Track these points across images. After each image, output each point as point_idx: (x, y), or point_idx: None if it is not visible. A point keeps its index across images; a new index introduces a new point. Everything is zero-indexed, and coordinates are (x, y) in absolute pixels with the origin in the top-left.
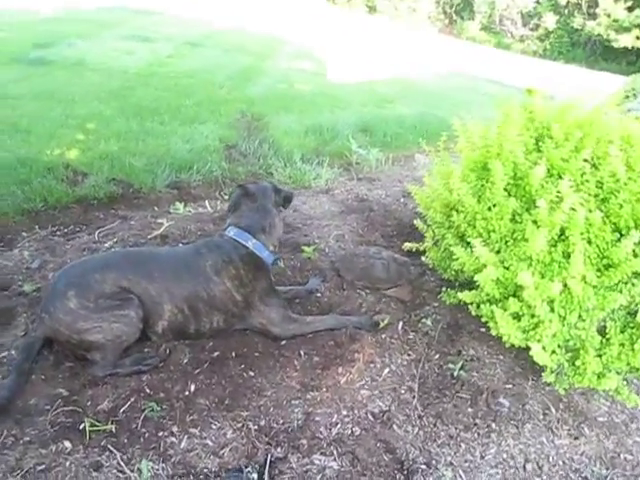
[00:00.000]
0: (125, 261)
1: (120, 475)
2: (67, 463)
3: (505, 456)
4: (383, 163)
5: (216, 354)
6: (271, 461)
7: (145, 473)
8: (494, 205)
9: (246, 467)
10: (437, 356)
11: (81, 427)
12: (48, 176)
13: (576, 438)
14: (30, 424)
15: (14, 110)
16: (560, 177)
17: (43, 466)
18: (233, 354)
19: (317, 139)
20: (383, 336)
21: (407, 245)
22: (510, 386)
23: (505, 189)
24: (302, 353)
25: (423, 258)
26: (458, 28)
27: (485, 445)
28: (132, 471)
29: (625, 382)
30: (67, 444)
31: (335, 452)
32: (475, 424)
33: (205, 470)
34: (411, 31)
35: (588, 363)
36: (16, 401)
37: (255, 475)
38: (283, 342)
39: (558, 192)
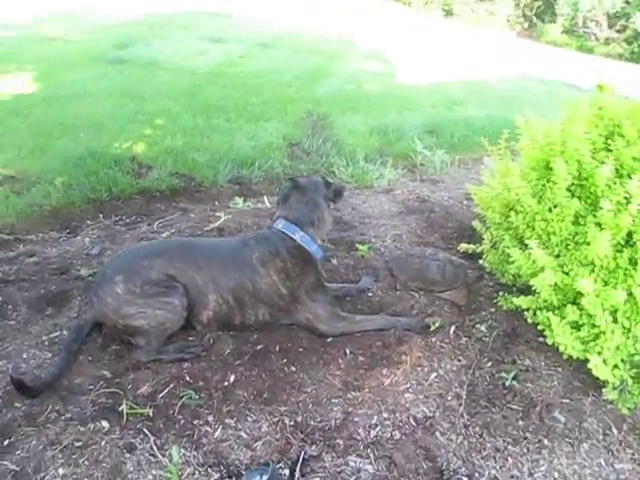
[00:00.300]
0: (174, 250)
1: (151, 458)
2: (103, 442)
3: (556, 475)
4: (448, 165)
5: (259, 347)
6: (304, 458)
7: (175, 458)
8: (555, 206)
9: (278, 462)
10: (489, 364)
11: (120, 409)
12: (115, 168)
13: None
14: (73, 402)
15: (90, 106)
16: (630, 178)
17: (80, 443)
18: (277, 348)
19: (382, 139)
20: (433, 340)
21: (463, 246)
22: (567, 401)
23: (568, 189)
24: (347, 352)
25: (481, 261)
26: (538, 31)
27: (535, 462)
28: (164, 456)
29: None
30: (105, 424)
31: (372, 455)
32: (525, 438)
33: (236, 462)
34: (488, 34)
35: None
36: (62, 379)
37: (287, 471)
38: (329, 340)
39: (626, 193)
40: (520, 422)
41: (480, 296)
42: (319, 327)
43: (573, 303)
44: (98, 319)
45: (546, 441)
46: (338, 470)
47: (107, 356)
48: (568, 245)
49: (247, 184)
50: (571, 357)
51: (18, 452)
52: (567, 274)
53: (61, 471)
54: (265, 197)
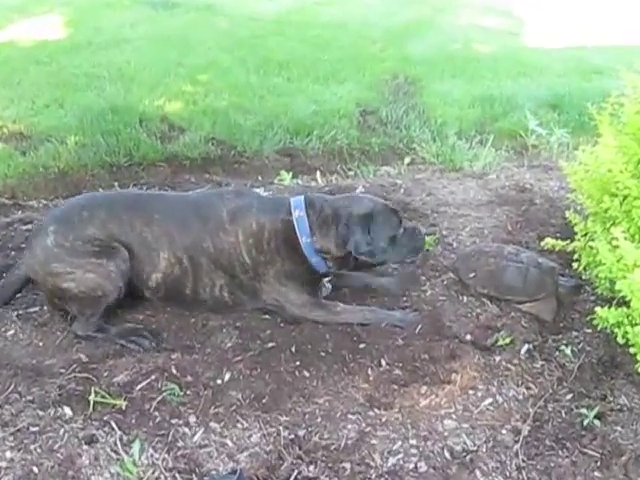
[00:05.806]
0: (126, 200)
1: (112, 455)
2: (61, 430)
3: None
4: (570, 148)
5: (270, 345)
6: (296, 479)
7: (136, 456)
8: None
9: None
10: (569, 396)
11: (89, 397)
12: (139, 128)
13: None
14: (38, 384)
15: (124, 55)
16: None
17: (36, 428)
18: (293, 349)
19: (485, 112)
20: (497, 358)
21: (549, 242)
22: None
23: None
24: (382, 363)
25: (575, 265)
26: None
27: None
28: (127, 453)
29: None
30: (67, 411)
31: None
32: None
33: (212, 472)
34: None
35: None
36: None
37: None
38: (361, 346)
39: None
40: (596, 473)
41: (575, 312)
42: (289, 309)
43: None
44: (29, 274)
45: None
46: None
47: (88, 339)
48: None
49: (300, 157)
50: None
51: None
52: None
53: (9, 454)
54: (318, 173)
